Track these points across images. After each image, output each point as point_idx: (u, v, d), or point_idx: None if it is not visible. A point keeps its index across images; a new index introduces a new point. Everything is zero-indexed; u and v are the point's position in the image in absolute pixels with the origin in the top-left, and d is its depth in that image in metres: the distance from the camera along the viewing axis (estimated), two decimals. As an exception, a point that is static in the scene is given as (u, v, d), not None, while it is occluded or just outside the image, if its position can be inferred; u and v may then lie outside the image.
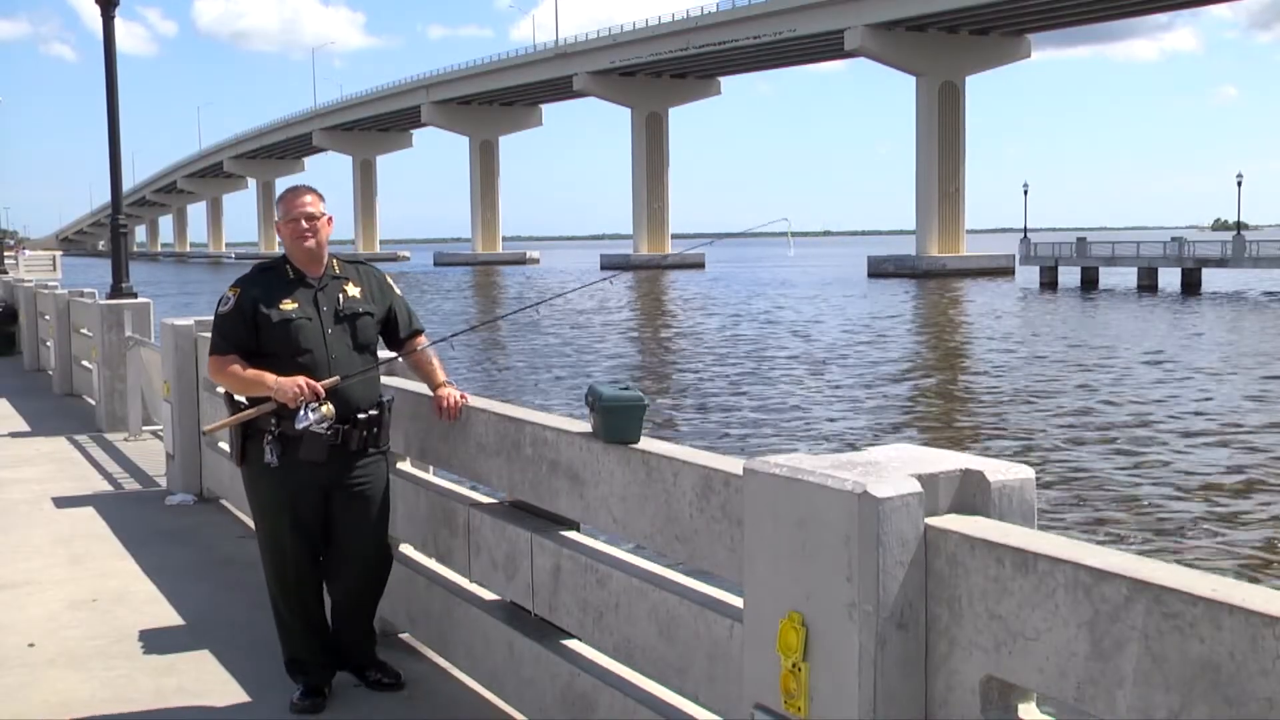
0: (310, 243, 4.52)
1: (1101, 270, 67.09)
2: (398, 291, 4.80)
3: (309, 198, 4.58)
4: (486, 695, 4.54)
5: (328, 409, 4.35)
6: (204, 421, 8.43)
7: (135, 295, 13.18)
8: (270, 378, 4.36)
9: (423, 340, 4.81)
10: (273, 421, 4.39)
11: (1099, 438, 19.33)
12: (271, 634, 4.70)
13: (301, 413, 4.32)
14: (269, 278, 4.55)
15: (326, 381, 4.38)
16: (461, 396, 4.63)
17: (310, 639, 4.61)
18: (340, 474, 4.51)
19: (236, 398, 4.54)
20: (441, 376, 4.71)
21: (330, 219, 4.62)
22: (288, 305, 4.46)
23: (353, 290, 4.60)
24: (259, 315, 4.43)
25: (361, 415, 4.50)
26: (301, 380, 4.33)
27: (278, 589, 4.61)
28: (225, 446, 8.12)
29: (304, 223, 4.51)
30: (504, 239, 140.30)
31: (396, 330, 4.73)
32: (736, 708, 2.96)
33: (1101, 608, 2.05)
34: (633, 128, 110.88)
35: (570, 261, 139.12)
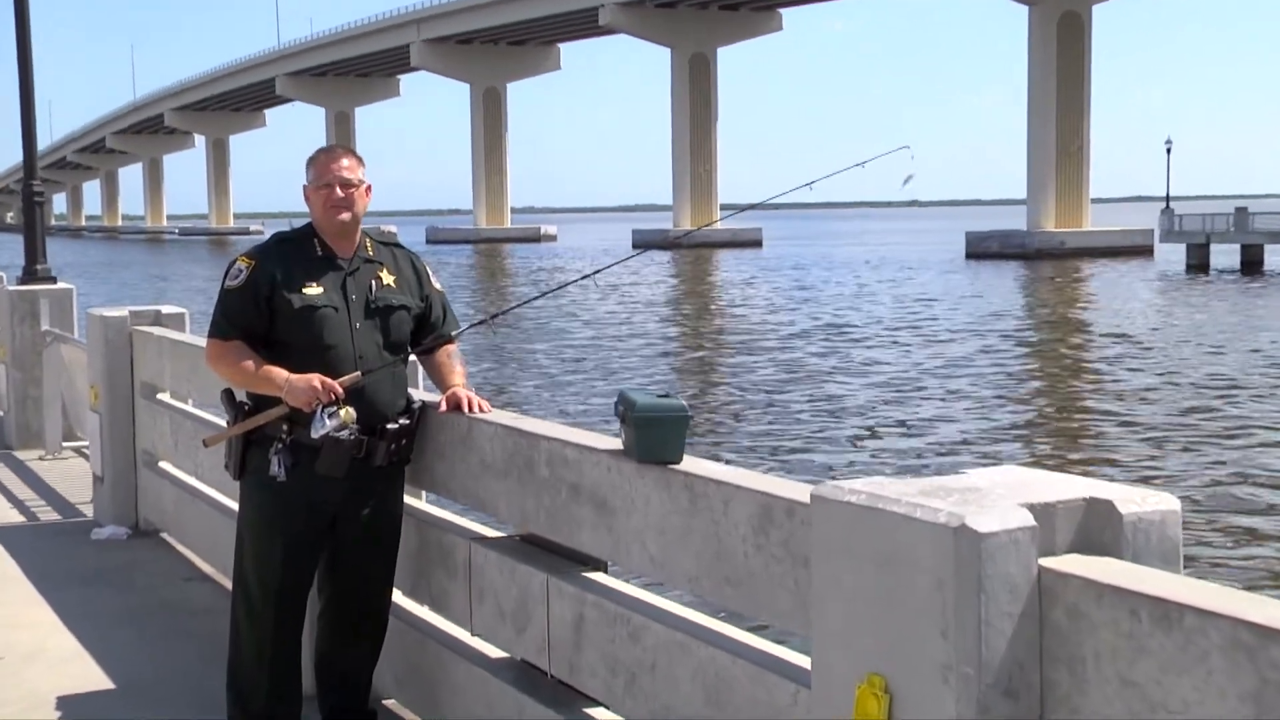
0: (346, 215, 4.59)
1: (1267, 249, 66.53)
2: (437, 285, 4.84)
3: (346, 161, 4.65)
4: (489, 777, 4.55)
5: (347, 414, 4.39)
6: (140, 435, 8.49)
7: (54, 279, 13.30)
8: (280, 375, 4.41)
9: (451, 348, 4.84)
10: (283, 428, 4.44)
11: (1267, 465, 19.16)
12: (224, 696, 4.72)
13: (316, 417, 4.36)
14: (291, 252, 4.60)
15: (346, 379, 4.42)
16: (480, 403, 4.64)
17: (272, 705, 4.62)
18: (356, 497, 4.57)
19: (238, 396, 4.61)
20: (460, 379, 4.76)
21: (369, 187, 4.68)
22: (312, 289, 4.52)
23: (387, 278, 4.66)
24: (276, 298, 4.49)
25: (391, 425, 4.57)
26: (317, 379, 4.37)
27: (248, 631, 4.61)
28: (168, 467, 8.18)
29: (339, 190, 4.57)
30: (513, 211, 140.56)
31: (425, 332, 4.77)
32: (802, 795, 2.96)
33: (1271, 676, 2.04)
34: (673, 72, 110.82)
35: (595, 239, 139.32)
